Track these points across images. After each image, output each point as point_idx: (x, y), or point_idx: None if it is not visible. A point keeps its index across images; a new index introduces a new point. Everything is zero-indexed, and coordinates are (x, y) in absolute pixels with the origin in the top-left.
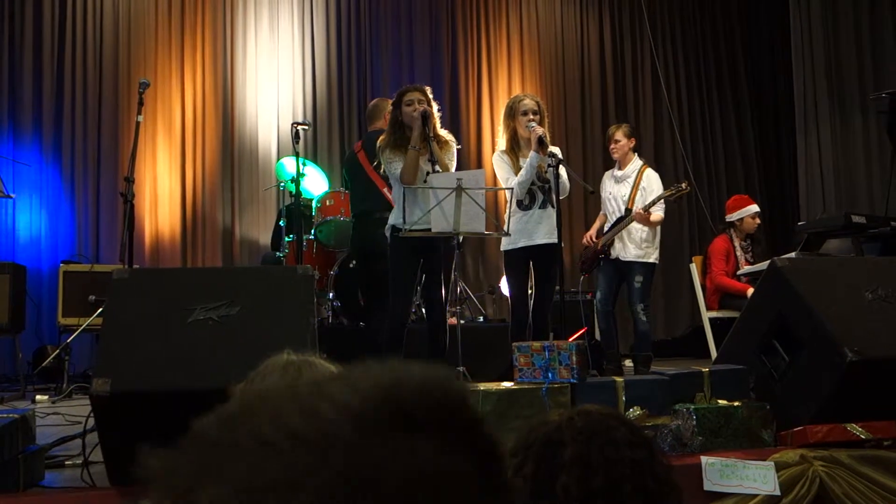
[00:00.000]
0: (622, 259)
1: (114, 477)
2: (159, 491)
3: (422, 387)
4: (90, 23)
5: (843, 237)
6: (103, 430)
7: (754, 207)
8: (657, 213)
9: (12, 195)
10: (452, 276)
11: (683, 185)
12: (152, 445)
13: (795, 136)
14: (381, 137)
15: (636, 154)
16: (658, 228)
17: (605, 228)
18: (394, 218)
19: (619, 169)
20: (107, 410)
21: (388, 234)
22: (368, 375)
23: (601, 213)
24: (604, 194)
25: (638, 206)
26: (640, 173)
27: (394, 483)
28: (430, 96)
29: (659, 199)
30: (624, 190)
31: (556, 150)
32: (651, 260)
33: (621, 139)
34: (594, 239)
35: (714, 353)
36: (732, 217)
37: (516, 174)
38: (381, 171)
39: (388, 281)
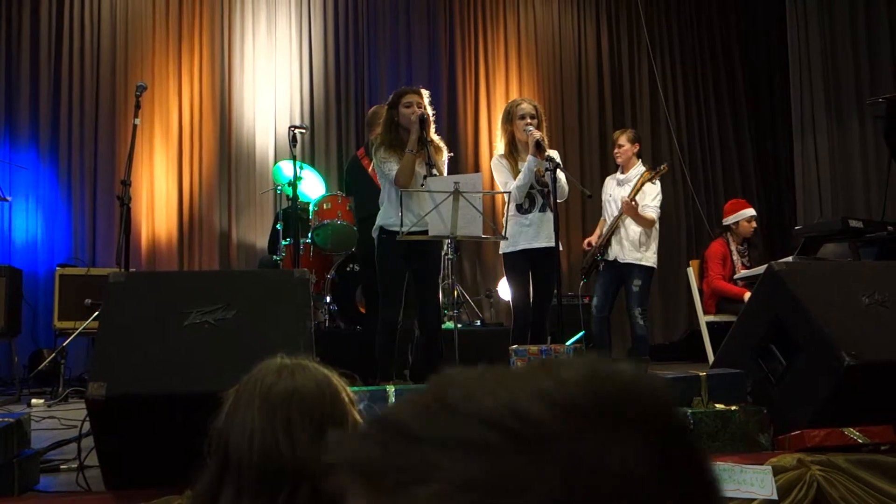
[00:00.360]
0: (620, 261)
1: (109, 481)
2: (358, 484)
3: (631, 384)
4: (87, 26)
5: (840, 241)
6: (99, 435)
7: (750, 211)
8: (649, 212)
9: (8, 198)
10: (450, 280)
11: (662, 167)
12: (148, 449)
13: (792, 141)
14: (373, 137)
15: (639, 159)
16: (655, 231)
17: (605, 232)
18: (382, 219)
19: (622, 173)
20: (102, 414)
21: (374, 235)
22: (571, 369)
23: (601, 218)
24: (604, 197)
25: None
26: (641, 178)
27: (611, 483)
28: (428, 100)
29: (642, 183)
30: (624, 193)
31: (553, 153)
32: (649, 263)
33: (625, 144)
34: (593, 244)
35: (711, 357)
36: (728, 221)
37: (515, 178)
38: (370, 168)
39: (378, 283)
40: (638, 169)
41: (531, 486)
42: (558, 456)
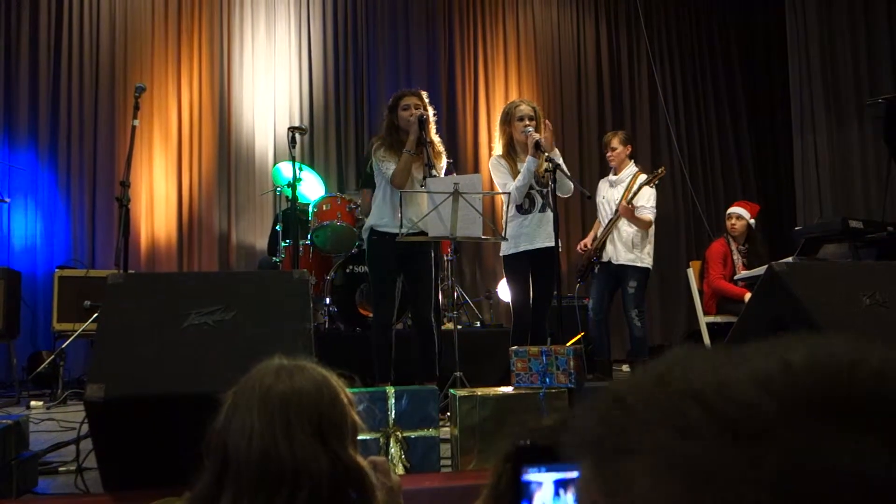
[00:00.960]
0: (615, 263)
1: (108, 483)
2: (583, 453)
3: (882, 372)
4: (86, 27)
5: (840, 242)
6: (97, 436)
7: (733, 209)
8: (646, 214)
9: (7, 199)
10: (450, 282)
11: (660, 170)
12: (147, 450)
13: (792, 141)
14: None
15: (632, 160)
16: (651, 232)
17: (599, 234)
18: (374, 219)
19: (615, 174)
20: (101, 416)
21: (364, 236)
22: (804, 348)
23: (597, 220)
24: (598, 199)
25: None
26: (634, 178)
27: (837, 489)
28: (427, 101)
29: (640, 186)
30: (617, 194)
31: (555, 153)
32: (644, 265)
33: (618, 147)
34: (588, 246)
35: None
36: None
37: (513, 178)
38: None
39: (370, 285)
40: (630, 169)
41: (742, 480)
42: (775, 452)
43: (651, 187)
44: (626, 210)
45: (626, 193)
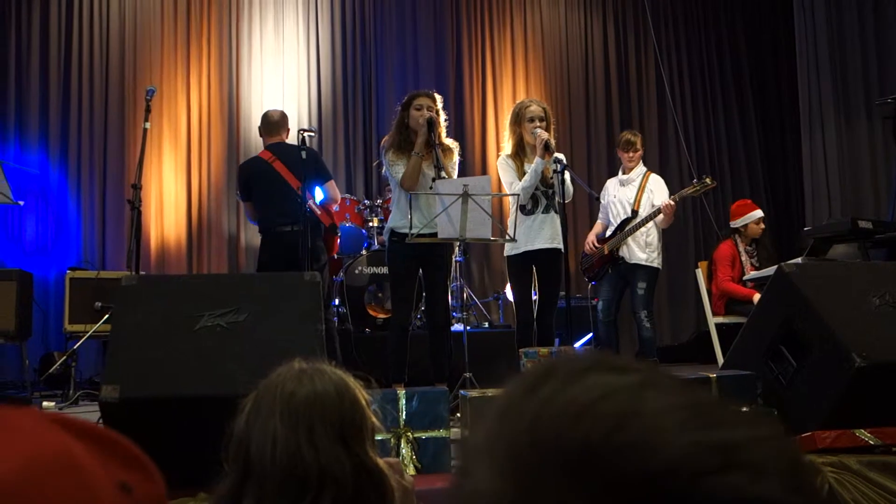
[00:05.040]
0: (627, 262)
1: None
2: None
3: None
4: (96, 30)
5: (850, 242)
6: None
7: (758, 212)
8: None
9: (20, 203)
10: (459, 282)
11: (708, 180)
12: (160, 451)
13: (801, 141)
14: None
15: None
16: (660, 233)
17: (608, 234)
18: (393, 221)
19: (625, 173)
20: (116, 417)
21: (385, 237)
22: (551, 392)
23: (600, 219)
24: (606, 199)
25: (646, 210)
26: (645, 177)
27: None
28: (440, 105)
29: (683, 196)
30: (629, 193)
31: (560, 156)
32: (655, 265)
33: (640, 149)
34: (597, 245)
35: (721, 359)
36: (737, 223)
37: (521, 179)
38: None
39: (389, 285)
40: (640, 169)
41: None
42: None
43: (662, 181)
44: (670, 208)
45: (640, 194)
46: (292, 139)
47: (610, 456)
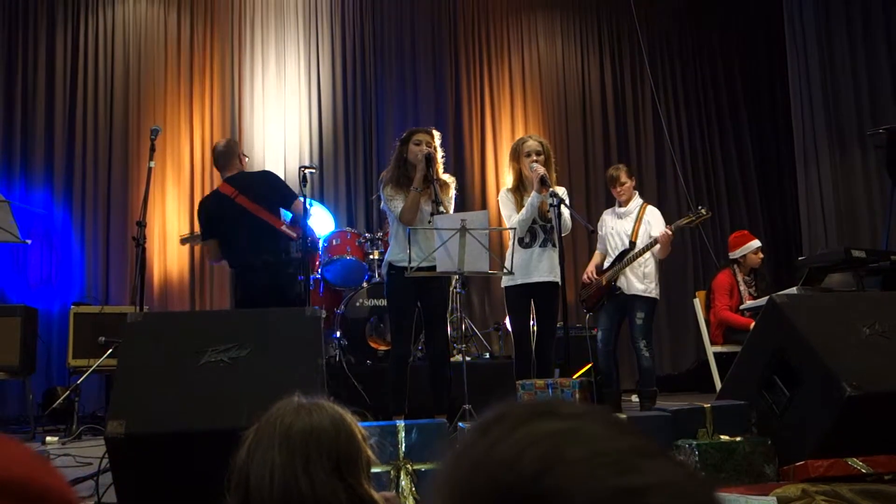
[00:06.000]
0: (625, 293)
1: None
2: None
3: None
4: (101, 71)
5: (844, 271)
6: (118, 472)
7: (756, 243)
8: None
9: (28, 241)
10: (459, 314)
11: (703, 211)
12: (166, 485)
13: (796, 171)
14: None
15: (636, 192)
16: (658, 264)
17: (606, 265)
18: (391, 255)
19: (621, 206)
20: (122, 452)
21: (384, 271)
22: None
23: (598, 251)
24: (603, 231)
25: (644, 241)
26: (642, 209)
27: None
28: (438, 142)
29: (679, 226)
30: (627, 225)
31: (560, 190)
32: (653, 295)
33: (626, 181)
34: (595, 276)
35: (719, 387)
36: (736, 254)
37: (518, 213)
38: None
39: (388, 319)
40: (637, 201)
41: None
42: None
43: (659, 213)
44: (667, 238)
45: (638, 226)
46: (292, 172)
47: (534, 500)
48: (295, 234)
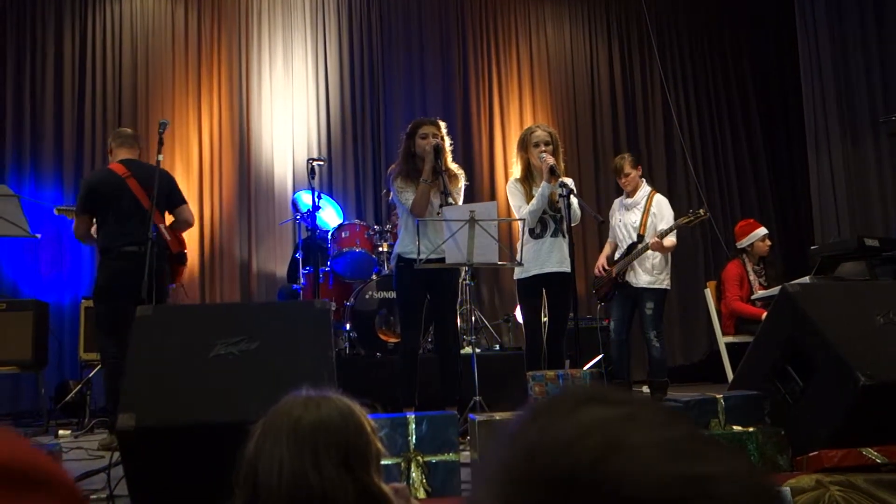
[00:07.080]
0: (633, 285)
1: None
2: None
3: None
4: (109, 66)
5: (857, 260)
6: (129, 464)
7: (762, 230)
8: (670, 238)
9: (37, 235)
10: (469, 306)
11: (701, 212)
12: (177, 477)
13: (808, 159)
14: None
15: (643, 180)
16: (670, 254)
17: (617, 256)
18: (400, 247)
19: (629, 196)
20: (132, 445)
21: (392, 263)
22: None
23: (609, 240)
24: (613, 221)
25: (651, 234)
26: (649, 199)
27: None
28: (444, 131)
29: (676, 226)
30: (634, 217)
31: (568, 180)
32: (662, 286)
33: (630, 171)
34: (606, 267)
35: (731, 378)
36: (743, 243)
37: (528, 203)
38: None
39: (397, 311)
40: (644, 190)
41: None
42: None
43: (670, 208)
44: (658, 245)
45: (645, 218)
46: (300, 165)
47: (595, 484)
48: (169, 238)
